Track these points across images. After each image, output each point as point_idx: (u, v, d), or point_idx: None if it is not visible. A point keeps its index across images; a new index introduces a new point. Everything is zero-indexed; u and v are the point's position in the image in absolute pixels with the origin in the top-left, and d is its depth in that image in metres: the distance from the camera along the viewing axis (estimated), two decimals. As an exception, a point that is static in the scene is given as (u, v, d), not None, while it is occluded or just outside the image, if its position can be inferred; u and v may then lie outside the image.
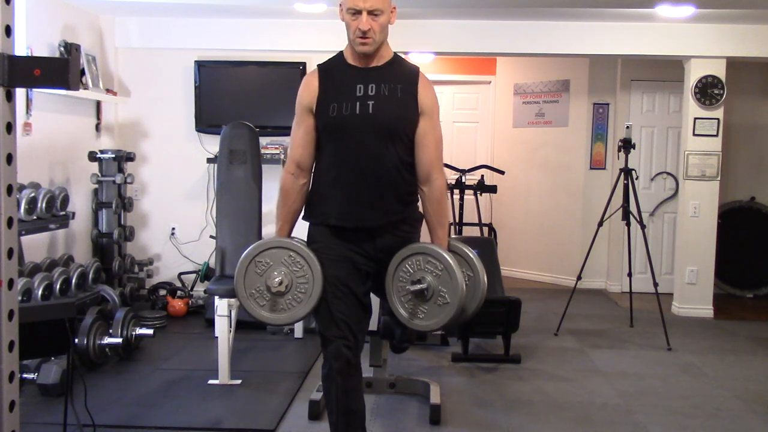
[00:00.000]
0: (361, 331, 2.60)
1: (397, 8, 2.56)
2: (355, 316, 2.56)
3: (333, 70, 2.60)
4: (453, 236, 5.26)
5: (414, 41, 5.81)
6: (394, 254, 2.57)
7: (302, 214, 2.69)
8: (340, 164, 2.55)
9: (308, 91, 2.59)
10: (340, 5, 2.52)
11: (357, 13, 2.44)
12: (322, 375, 2.62)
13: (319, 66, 2.65)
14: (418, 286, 2.49)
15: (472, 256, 2.62)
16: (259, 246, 2.58)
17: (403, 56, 2.67)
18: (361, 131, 2.50)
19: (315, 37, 5.71)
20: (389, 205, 2.56)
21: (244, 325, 4.82)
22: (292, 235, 2.67)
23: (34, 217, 4.09)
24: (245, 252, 2.58)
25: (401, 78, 2.56)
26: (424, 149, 2.56)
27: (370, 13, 2.43)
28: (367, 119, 2.49)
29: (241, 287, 2.57)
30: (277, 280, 2.51)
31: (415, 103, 2.54)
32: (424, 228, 2.71)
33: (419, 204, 2.67)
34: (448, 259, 2.49)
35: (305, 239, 2.65)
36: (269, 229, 5.71)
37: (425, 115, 2.55)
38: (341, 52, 2.64)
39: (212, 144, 5.61)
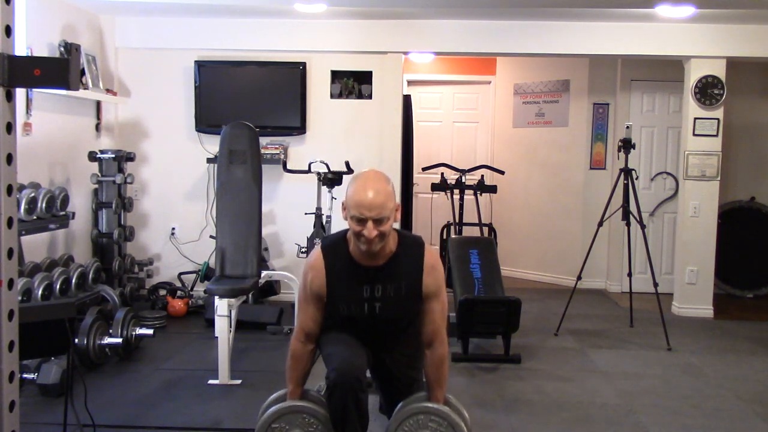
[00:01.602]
0: (366, 354, 2.71)
1: (400, 206, 2.61)
2: (363, 349, 2.69)
3: (339, 265, 2.60)
4: (453, 236, 5.27)
5: (414, 41, 5.81)
6: (399, 366, 2.77)
7: None
8: (353, 335, 2.71)
9: (317, 283, 2.61)
10: (343, 205, 2.53)
11: (362, 221, 2.44)
12: (328, 383, 2.61)
13: (325, 253, 2.63)
14: None
15: (460, 407, 2.75)
16: (274, 413, 2.65)
17: (408, 235, 2.69)
18: (370, 324, 2.65)
19: (315, 37, 5.72)
20: (401, 347, 2.78)
21: (244, 325, 4.83)
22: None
23: (34, 217, 4.09)
24: (262, 419, 2.66)
25: (405, 272, 2.60)
26: (428, 321, 2.64)
27: (377, 221, 2.43)
28: (374, 318, 2.62)
29: None
30: None
31: (420, 295, 2.61)
32: None
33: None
34: (452, 416, 2.61)
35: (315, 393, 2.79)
36: (268, 230, 5.72)
37: (430, 297, 2.62)
38: (345, 238, 2.62)
39: (212, 144, 5.61)
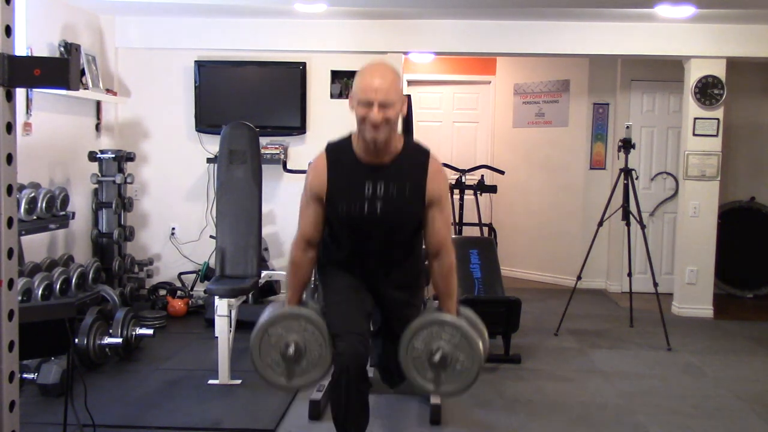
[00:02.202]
0: (368, 332, 2.71)
1: (406, 100, 2.59)
2: (366, 317, 2.68)
3: (342, 163, 2.58)
4: (453, 236, 5.27)
5: (414, 41, 5.81)
6: (396, 304, 2.73)
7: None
8: (351, 247, 2.67)
9: (318, 181, 2.59)
10: (350, 96, 2.53)
11: (369, 105, 2.43)
12: (334, 371, 2.63)
13: (329, 152, 2.63)
14: (438, 356, 2.55)
15: (475, 318, 2.72)
16: (271, 318, 2.64)
17: (414, 141, 2.68)
18: (370, 228, 2.59)
19: (315, 37, 5.72)
20: (400, 277, 2.73)
21: (244, 325, 4.82)
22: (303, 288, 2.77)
23: (34, 217, 4.09)
24: (258, 325, 2.65)
25: (410, 173, 2.56)
26: (433, 232, 2.61)
27: (382, 105, 2.42)
28: (375, 219, 2.56)
29: (257, 359, 2.65)
30: (291, 348, 2.58)
31: (423, 198, 2.57)
32: None
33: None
34: (465, 327, 2.58)
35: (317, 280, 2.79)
36: (269, 230, 5.72)
37: (433, 205, 2.58)
38: (350, 138, 2.61)
39: (212, 144, 5.61)
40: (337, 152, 2.62)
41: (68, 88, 1.61)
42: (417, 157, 2.60)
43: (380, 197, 2.54)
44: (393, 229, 2.61)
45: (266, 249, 5.59)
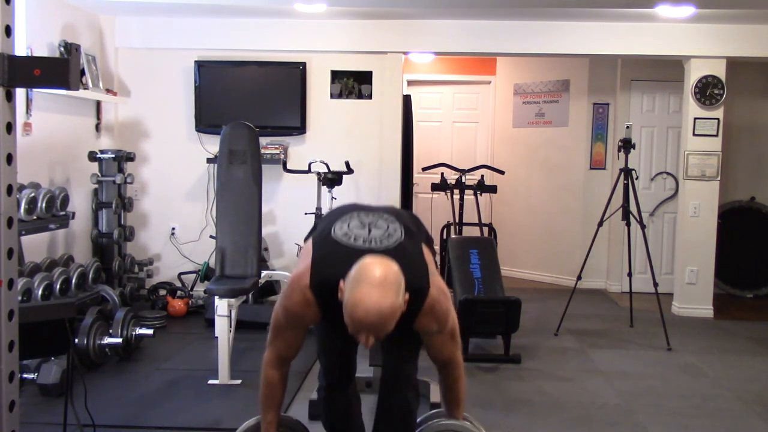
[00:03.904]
0: (353, 371, 2.68)
1: (408, 296, 2.17)
2: (348, 359, 2.63)
3: (333, 313, 2.21)
4: (453, 236, 5.27)
5: (414, 41, 5.81)
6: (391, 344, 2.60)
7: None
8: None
9: (310, 316, 2.33)
10: (341, 289, 2.13)
11: (359, 332, 2.11)
12: (318, 397, 2.69)
13: (317, 294, 2.27)
14: None
15: (478, 424, 2.66)
16: None
17: (410, 279, 2.26)
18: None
19: (315, 37, 5.72)
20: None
21: (244, 325, 4.83)
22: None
23: (34, 217, 4.09)
24: None
25: (399, 323, 2.17)
26: (435, 352, 2.43)
27: (376, 336, 2.12)
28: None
29: None
30: None
31: (410, 334, 2.36)
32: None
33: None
34: None
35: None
36: (268, 230, 5.72)
37: (429, 334, 2.35)
38: (340, 287, 2.16)
39: (212, 144, 5.61)
40: (328, 299, 2.23)
41: (68, 88, 1.61)
42: (410, 309, 2.21)
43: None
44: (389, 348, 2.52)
45: (266, 249, 5.59)
